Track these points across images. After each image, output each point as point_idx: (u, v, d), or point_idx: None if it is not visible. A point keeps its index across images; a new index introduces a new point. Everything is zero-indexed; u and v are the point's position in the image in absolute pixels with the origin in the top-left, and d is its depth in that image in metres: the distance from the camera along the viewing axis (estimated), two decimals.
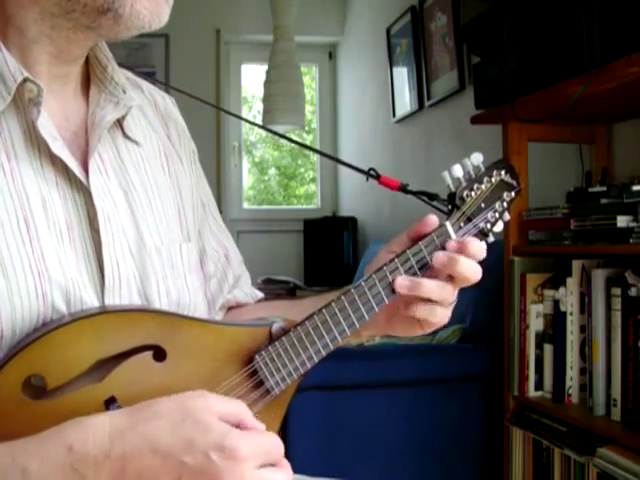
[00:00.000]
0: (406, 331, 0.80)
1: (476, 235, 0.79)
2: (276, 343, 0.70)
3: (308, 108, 4.21)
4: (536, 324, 1.69)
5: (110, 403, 0.62)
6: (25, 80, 0.66)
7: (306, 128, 4.14)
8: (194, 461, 0.57)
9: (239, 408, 0.63)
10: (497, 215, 0.80)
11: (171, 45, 3.92)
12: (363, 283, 0.73)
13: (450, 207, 0.78)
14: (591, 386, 1.52)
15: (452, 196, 0.78)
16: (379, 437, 1.86)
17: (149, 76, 0.91)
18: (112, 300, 0.69)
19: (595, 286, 1.50)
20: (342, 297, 0.73)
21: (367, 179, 0.85)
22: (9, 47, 0.67)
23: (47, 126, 0.68)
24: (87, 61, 0.76)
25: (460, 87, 2.62)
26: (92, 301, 0.67)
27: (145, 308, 0.72)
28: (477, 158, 0.79)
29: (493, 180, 0.80)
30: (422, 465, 1.89)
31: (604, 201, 1.48)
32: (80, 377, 0.61)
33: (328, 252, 3.82)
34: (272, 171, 4.56)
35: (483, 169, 0.80)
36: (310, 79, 4.42)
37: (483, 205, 0.79)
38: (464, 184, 0.78)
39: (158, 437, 0.57)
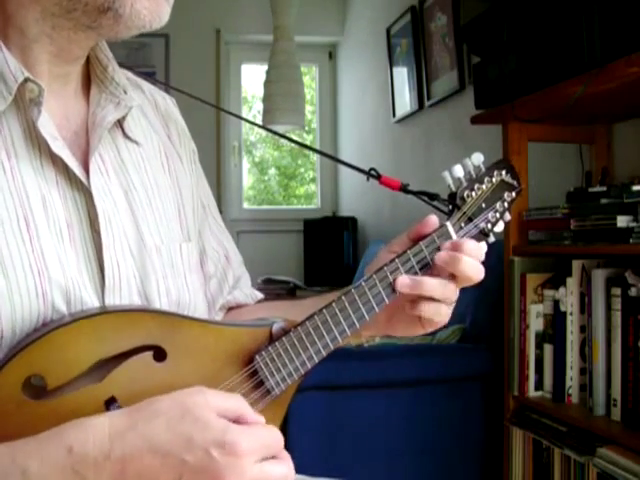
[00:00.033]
0: (407, 331, 0.80)
1: (477, 235, 0.79)
2: (276, 343, 0.70)
3: (308, 108, 4.21)
4: (536, 324, 1.69)
5: (110, 403, 0.62)
6: (26, 80, 0.66)
7: (306, 128, 4.14)
8: (195, 459, 0.57)
9: (238, 403, 0.63)
10: (498, 215, 0.80)
11: (171, 45, 3.92)
12: (363, 283, 0.73)
13: (451, 207, 0.78)
14: (591, 386, 1.52)
15: (453, 196, 0.78)
16: (379, 437, 1.86)
17: (149, 76, 0.91)
18: (112, 300, 0.69)
19: (595, 286, 1.50)
20: (342, 297, 0.73)
21: (368, 179, 0.85)
22: (10, 47, 0.67)
23: (47, 126, 0.68)
24: (88, 61, 0.76)
25: (460, 87, 2.62)
26: (92, 301, 0.67)
27: (145, 308, 0.72)
28: (478, 158, 0.79)
29: (494, 180, 0.80)
30: (422, 465, 1.89)
31: (604, 201, 1.48)
32: (80, 377, 0.61)
33: (328, 252, 3.82)
34: (272, 171, 4.56)
35: (484, 169, 0.80)
36: (310, 79, 4.42)
37: (484, 205, 0.79)
38: (465, 184, 0.78)
39: (157, 437, 0.57)
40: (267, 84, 3.56)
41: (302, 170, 4.58)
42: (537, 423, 1.66)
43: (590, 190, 1.56)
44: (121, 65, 0.80)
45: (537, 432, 1.65)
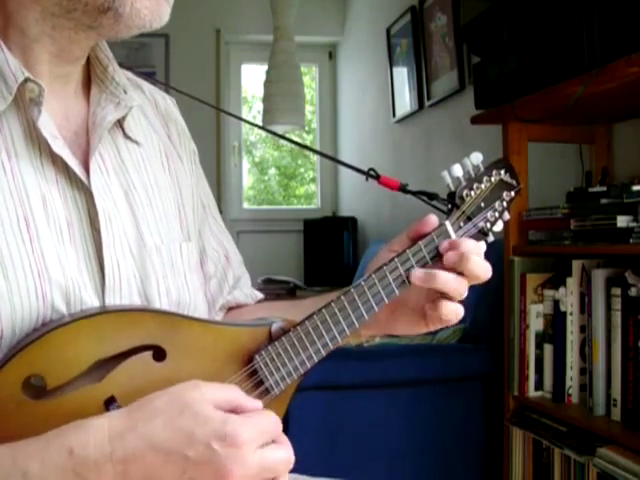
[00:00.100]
0: (409, 329, 0.80)
1: (476, 234, 0.79)
2: (276, 343, 0.70)
3: (308, 108, 4.21)
4: (536, 324, 1.69)
5: (110, 403, 0.62)
6: (26, 80, 0.66)
7: (306, 128, 4.14)
8: (197, 453, 0.57)
9: (233, 393, 0.63)
10: (497, 214, 0.80)
11: (171, 45, 3.92)
12: (363, 283, 0.73)
13: (450, 206, 0.78)
14: (591, 386, 1.52)
15: (452, 195, 0.78)
16: (379, 437, 1.86)
17: (149, 76, 0.91)
18: (112, 300, 0.69)
19: (595, 286, 1.50)
20: (342, 297, 0.73)
21: (367, 179, 0.85)
22: (10, 47, 0.67)
23: (48, 125, 0.68)
24: (88, 61, 0.76)
25: (460, 87, 2.62)
26: (92, 301, 0.67)
27: (145, 308, 0.72)
28: (477, 158, 0.79)
29: (493, 180, 0.80)
30: (422, 465, 1.89)
31: (604, 201, 1.48)
32: (80, 377, 0.61)
33: (328, 252, 3.82)
34: (272, 171, 4.56)
35: (483, 169, 0.80)
36: (310, 79, 4.42)
37: (483, 204, 0.79)
38: (464, 183, 0.78)
39: (158, 435, 0.57)
40: (267, 84, 3.56)
41: (302, 170, 4.58)
42: (537, 423, 1.66)
43: (590, 190, 1.56)
44: (121, 65, 0.80)
45: (537, 432, 1.65)
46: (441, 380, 1.93)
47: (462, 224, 0.78)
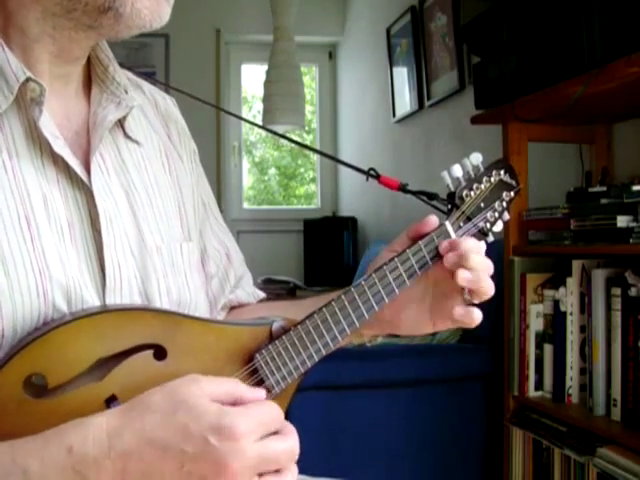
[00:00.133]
0: (414, 329, 0.80)
1: (476, 234, 0.79)
2: (276, 342, 0.70)
3: (308, 108, 4.22)
4: (536, 324, 1.69)
5: (111, 402, 0.62)
6: (27, 79, 0.66)
7: (306, 128, 4.15)
8: (194, 448, 0.57)
9: (232, 385, 0.63)
10: (497, 215, 0.80)
11: (171, 45, 3.92)
12: (363, 282, 0.74)
13: (449, 207, 0.78)
14: (591, 386, 1.52)
15: (451, 196, 0.79)
16: (379, 437, 1.86)
17: (149, 76, 0.91)
18: (113, 300, 0.69)
19: (595, 286, 1.50)
20: (342, 296, 0.73)
21: (367, 179, 0.85)
22: (11, 46, 0.67)
23: (49, 125, 0.68)
24: (89, 61, 0.76)
25: (460, 87, 2.62)
26: (93, 300, 0.67)
27: (146, 307, 0.72)
28: (476, 158, 0.79)
29: (492, 180, 0.80)
30: (422, 465, 1.89)
31: (604, 201, 1.48)
32: (81, 376, 0.61)
33: (328, 252, 3.82)
34: (272, 171, 4.56)
35: (482, 169, 0.80)
36: (310, 79, 4.42)
37: (482, 205, 0.79)
38: (463, 184, 0.79)
39: (154, 431, 0.57)
40: (267, 84, 3.56)
41: (302, 170, 4.58)
42: (537, 423, 1.66)
43: (590, 190, 1.56)
44: (121, 65, 0.80)
45: (537, 432, 1.65)
46: (441, 380, 1.93)
47: (462, 224, 0.78)
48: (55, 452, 0.56)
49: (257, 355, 0.69)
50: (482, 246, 0.76)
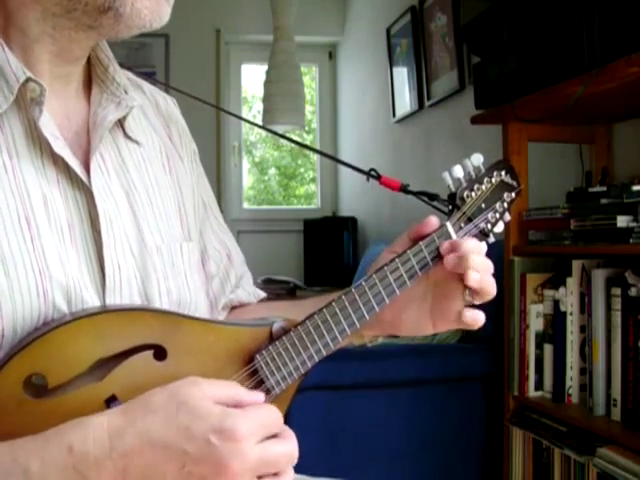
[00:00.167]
0: (415, 330, 0.79)
1: (477, 235, 0.79)
2: (276, 342, 0.70)
3: (308, 108, 4.21)
4: (536, 324, 1.69)
5: (111, 402, 0.62)
6: (28, 80, 0.66)
7: (306, 128, 4.14)
8: (195, 448, 0.57)
9: (232, 389, 0.63)
10: (497, 215, 0.80)
11: (171, 45, 3.92)
12: (364, 283, 0.74)
13: (450, 207, 0.78)
14: (591, 386, 1.52)
15: (452, 196, 0.79)
16: (379, 437, 1.86)
17: (149, 76, 0.91)
18: (113, 300, 0.69)
19: (595, 286, 1.50)
20: (343, 297, 0.73)
21: (368, 179, 0.85)
22: (11, 46, 0.67)
23: (49, 125, 0.68)
24: (89, 61, 0.76)
25: (460, 87, 2.62)
26: (93, 301, 0.67)
27: (146, 307, 0.72)
28: (477, 159, 0.79)
29: (493, 181, 0.80)
30: (422, 465, 1.89)
31: (604, 201, 1.48)
32: (81, 376, 0.61)
33: (328, 252, 3.82)
34: (272, 171, 4.56)
35: (483, 170, 0.80)
36: (310, 79, 4.42)
37: (483, 205, 0.79)
38: (464, 184, 0.79)
39: (156, 431, 0.58)
40: (267, 84, 3.56)
41: (302, 170, 4.58)
42: (537, 423, 1.66)
43: (590, 190, 1.56)
44: (121, 65, 0.80)
45: (537, 432, 1.65)
46: (441, 380, 1.93)
47: (463, 225, 0.78)
48: (55, 452, 0.56)
49: (257, 356, 0.69)
50: (483, 247, 0.76)
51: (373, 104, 3.65)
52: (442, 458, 1.91)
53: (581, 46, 1.38)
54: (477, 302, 0.76)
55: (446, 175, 0.78)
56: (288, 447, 0.62)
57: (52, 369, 0.60)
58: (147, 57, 3.90)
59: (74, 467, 0.56)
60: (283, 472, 0.62)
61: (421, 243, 0.76)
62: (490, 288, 0.74)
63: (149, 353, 0.65)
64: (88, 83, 0.77)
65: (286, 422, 0.66)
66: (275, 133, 1.02)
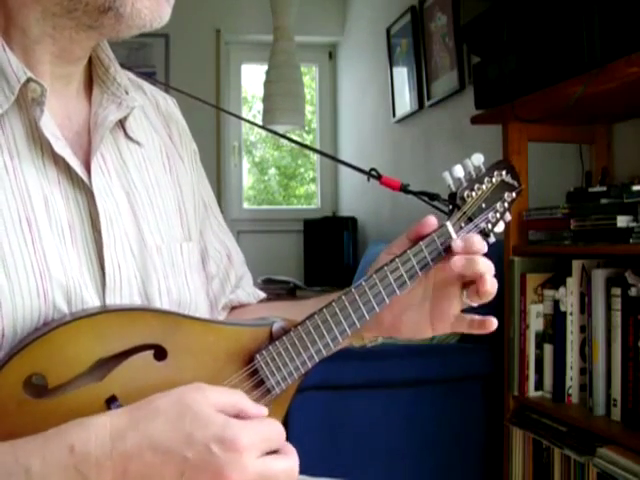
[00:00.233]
0: (414, 332, 0.79)
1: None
2: (276, 342, 0.70)
3: (308, 108, 4.21)
4: (536, 324, 1.69)
5: (111, 402, 0.62)
6: (29, 80, 0.66)
7: (306, 128, 4.14)
8: (195, 456, 0.57)
9: (237, 397, 0.63)
10: (498, 215, 0.80)
11: (171, 45, 3.92)
12: (364, 283, 0.74)
13: (451, 207, 0.78)
14: (591, 386, 1.52)
15: (453, 196, 0.78)
16: (379, 437, 1.86)
17: (149, 76, 0.91)
18: (113, 300, 0.69)
19: (595, 286, 1.50)
20: (343, 297, 0.73)
21: (368, 179, 0.85)
22: (12, 47, 0.67)
23: (50, 126, 0.68)
24: (90, 62, 0.76)
25: (460, 87, 2.62)
26: (93, 301, 0.67)
27: (146, 307, 0.72)
28: (478, 159, 0.79)
29: (494, 180, 0.80)
30: (422, 465, 1.89)
31: (604, 201, 1.48)
32: (81, 376, 0.61)
33: (328, 252, 3.82)
34: (272, 171, 4.56)
35: (484, 169, 0.80)
36: (310, 79, 4.42)
37: (484, 205, 0.79)
38: (465, 184, 0.79)
39: (158, 435, 0.57)
40: (267, 84, 3.56)
41: (302, 170, 4.58)
42: (537, 423, 1.66)
43: (590, 190, 1.56)
44: (121, 66, 0.80)
45: (537, 432, 1.65)
46: (441, 380, 1.93)
47: (463, 225, 0.78)
48: (57, 451, 0.56)
49: (257, 356, 0.69)
50: (483, 242, 0.76)
51: (373, 104, 3.65)
52: (442, 458, 1.91)
53: (581, 46, 1.38)
54: (475, 304, 0.76)
55: (446, 175, 0.78)
56: (289, 464, 0.62)
57: (52, 369, 0.60)
58: (147, 57, 3.90)
59: (75, 467, 0.56)
60: None
61: (421, 243, 0.75)
62: (493, 290, 0.74)
63: (149, 353, 0.65)
64: (89, 83, 0.77)
65: (286, 422, 0.66)
66: (275, 133, 1.02)
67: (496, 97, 1.68)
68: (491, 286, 0.73)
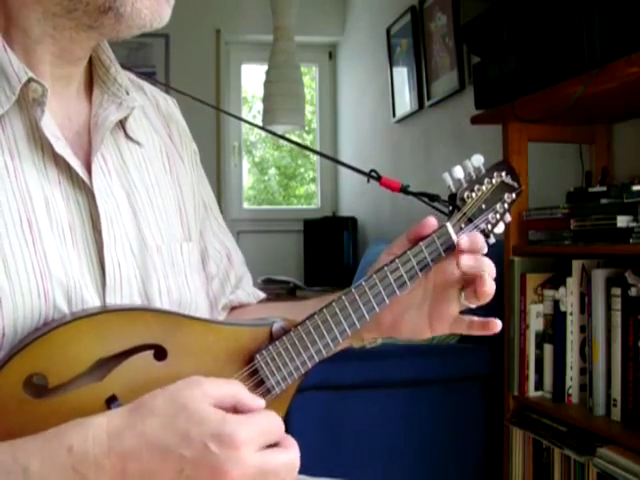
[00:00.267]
0: (414, 333, 0.79)
1: None
2: (276, 342, 0.70)
3: (308, 108, 4.21)
4: (536, 324, 1.69)
5: (111, 402, 0.62)
6: (30, 80, 0.66)
7: (306, 128, 4.14)
8: (193, 453, 0.57)
9: (235, 389, 0.62)
10: (498, 216, 0.80)
11: (171, 45, 3.92)
12: (364, 283, 0.74)
13: (451, 208, 0.78)
14: (591, 386, 1.52)
15: (453, 197, 0.78)
16: (379, 437, 1.86)
17: (149, 76, 0.91)
18: (113, 300, 0.69)
19: (595, 286, 1.50)
20: (343, 297, 0.73)
21: (368, 180, 0.85)
22: (13, 47, 0.67)
23: (50, 126, 0.68)
24: (90, 62, 0.77)
25: (460, 87, 2.62)
26: (93, 301, 0.67)
27: (146, 307, 0.72)
28: (478, 160, 0.79)
29: (494, 181, 0.80)
30: (422, 465, 1.89)
31: (604, 201, 1.48)
32: (81, 376, 0.61)
33: (328, 252, 3.82)
34: (272, 171, 4.56)
35: (484, 170, 0.80)
36: (310, 79, 4.42)
37: (484, 206, 0.79)
38: (465, 185, 0.79)
39: (155, 434, 0.57)
40: (267, 84, 3.56)
41: (302, 170, 4.58)
42: (537, 423, 1.66)
43: (590, 190, 1.56)
44: (121, 66, 0.80)
45: (537, 432, 1.65)
46: (441, 380, 1.93)
47: (463, 225, 0.78)
48: (55, 451, 0.56)
49: (257, 356, 0.69)
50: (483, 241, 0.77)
51: (373, 104, 3.65)
52: (442, 458, 1.91)
53: (581, 46, 1.38)
54: (473, 306, 0.76)
55: (446, 176, 0.78)
56: (289, 456, 0.61)
57: (52, 369, 0.60)
58: (147, 57, 3.90)
59: (73, 467, 0.56)
60: None
61: (421, 244, 0.76)
62: (491, 291, 0.74)
63: (149, 353, 0.65)
64: (89, 84, 0.77)
65: (286, 422, 0.65)
66: (275, 134, 1.02)
67: (496, 97, 1.68)
68: (489, 287, 0.73)
